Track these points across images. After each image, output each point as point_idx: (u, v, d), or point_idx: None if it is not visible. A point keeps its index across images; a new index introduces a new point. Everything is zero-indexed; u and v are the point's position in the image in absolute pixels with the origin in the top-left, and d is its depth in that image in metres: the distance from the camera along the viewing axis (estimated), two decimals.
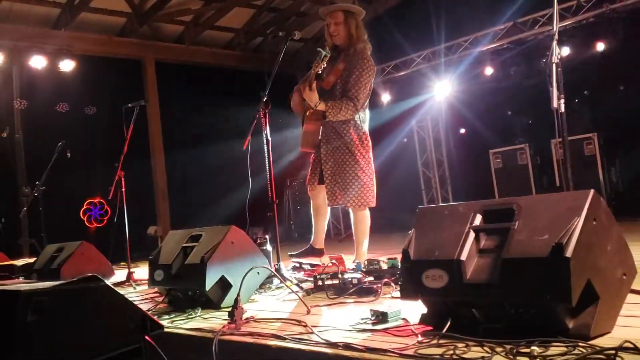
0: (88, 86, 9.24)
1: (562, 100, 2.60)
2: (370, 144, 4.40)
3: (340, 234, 10.46)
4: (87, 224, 9.77)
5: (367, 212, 4.44)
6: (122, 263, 7.09)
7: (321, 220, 4.61)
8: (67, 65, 8.80)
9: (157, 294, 4.07)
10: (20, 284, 2.03)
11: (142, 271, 6.44)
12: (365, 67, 4.19)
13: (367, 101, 4.35)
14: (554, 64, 2.61)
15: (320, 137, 4.34)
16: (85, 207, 9.78)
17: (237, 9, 10.11)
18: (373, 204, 4.39)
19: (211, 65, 10.91)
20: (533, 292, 1.96)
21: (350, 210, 4.45)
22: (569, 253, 1.88)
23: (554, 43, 2.65)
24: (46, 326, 1.59)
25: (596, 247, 1.99)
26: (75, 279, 1.81)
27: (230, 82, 11.07)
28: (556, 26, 2.74)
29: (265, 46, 11.40)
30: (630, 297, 2.24)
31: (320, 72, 4.11)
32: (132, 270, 5.65)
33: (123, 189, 5.71)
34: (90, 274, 1.81)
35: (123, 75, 9.84)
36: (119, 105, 6.01)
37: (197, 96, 10.41)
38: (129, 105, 5.87)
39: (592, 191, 2.02)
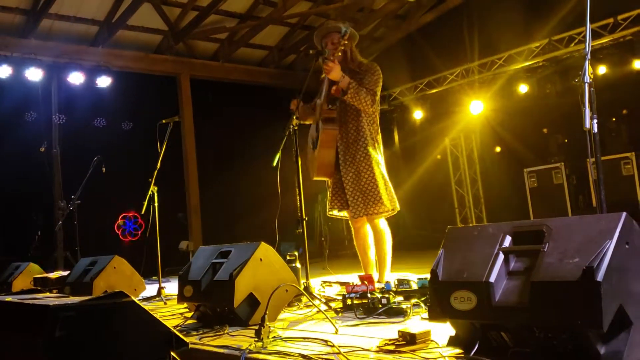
0: (124, 102, 9.44)
1: (595, 121, 2.56)
2: (382, 157, 4.39)
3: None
4: (121, 237, 9.92)
5: (386, 227, 4.39)
6: (153, 277, 7.19)
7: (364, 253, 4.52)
8: (104, 82, 9.01)
9: (187, 309, 4.11)
10: (50, 299, 2.08)
11: (172, 286, 6.51)
12: (377, 72, 4.28)
13: (378, 113, 4.38)
14: (586, 84, 2.56)
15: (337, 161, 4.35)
16: (119, 221, 9.94)
17: (270, 27, 10.25)
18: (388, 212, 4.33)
19: (245, 82, 11.05)
20: (563, 316, 1.92)
21: (368, 226, 4.42)
22: (600, 277, 1.83)
23: (587, 62, 2.61)
24: (74, 341, 1.62)
25: (629, 271, 1.93)
26: (103, 294, 1.85)
27: (264, 99, 11.18)
28: (589, 46, 2.69)
29: (298, 63, 11.51)
30: None
31: (340, 54, 4.15)
32: (162, 285, 5.72)
33: (156, 204, 5.80)
34: (118, 290, 1.84)
35: (159, 91, 10.03)
36: (155, 121, 6.12)
37: (231, 113, 10.54)
38: (163, 121, 5.98)
39: (624, 214, 1.98)
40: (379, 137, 4.40)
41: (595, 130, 2.58)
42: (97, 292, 4.82)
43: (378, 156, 4.32)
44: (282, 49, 11.09)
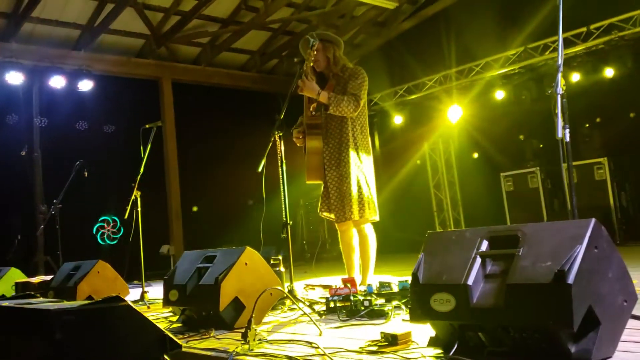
0: (106, 105, 9.44)
1: (567, 130, 2.69)
2: (370, 158, 4.50)
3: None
4: (100, 242, 9.88)
5: (372, 231, 4.48)
6: (135, 281, 7.20)
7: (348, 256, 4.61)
8: (85, 85, 9.00)
9: (172, 313, 4.16)
10: (48, 303, 2.14)
11: (154, 290, 6.54)
12: (361, 76, 4.37)
13: (366, 117, 4.49)
14: (558, 95, 2.69)
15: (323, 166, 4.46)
16: (98, 225, 9.91)
17: (253, 32, 10.33)
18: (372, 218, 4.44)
19: (227, 86, 11.11)
20: (536, 317, 2.03)
21: (354, 230, 4.51)
22: (570, 280, 1.95)
23: (559, 75, 2.74)
24: (73, 343, 1.69)
25: (597, 274, 2.05)
26: (99, 299, 1.91)
27: (245, 103, 11.26)
28: (561, 58, 2.83)
29: (280, 68, 11.60)
30: (631, 323, 2.30)
31: (312, 64, 4.27)
32: (145, 289, 5.76)
33: (139, 209, 5.84)
34: (114, 295, 1.91)
35: (140, 95, 10.03)
36: (136, 125, 6.15)
37: (213, 117, 10.58)
38: (147, 126, 6.02)
39: (593, 220, 2.10)
40: (366, 141, 4.48)
41: (568, 139, 2.71)
42: (81, 297, 4.84)
43: (362, 161, 4.40)
44: (264, 53, 11.17)
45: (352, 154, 4.35)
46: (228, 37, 10.27)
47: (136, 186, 5.75)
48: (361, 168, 4.38)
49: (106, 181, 9.01)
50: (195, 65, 10.64)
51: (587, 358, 1.97)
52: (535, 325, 2.05)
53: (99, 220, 9.89)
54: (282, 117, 4.28)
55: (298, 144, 4.58)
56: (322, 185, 4.53)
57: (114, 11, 8.66)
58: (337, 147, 4.38)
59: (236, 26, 9.97)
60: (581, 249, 2.02)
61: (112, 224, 9.99)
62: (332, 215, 4.52)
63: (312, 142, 4.41)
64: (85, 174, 7.17)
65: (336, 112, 4.26)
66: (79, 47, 9.18)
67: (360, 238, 4.45)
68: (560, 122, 2.66)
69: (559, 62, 2.81)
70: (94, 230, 9.83)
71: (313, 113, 4.40)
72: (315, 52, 4.23)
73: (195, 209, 10.25)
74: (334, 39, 4.48)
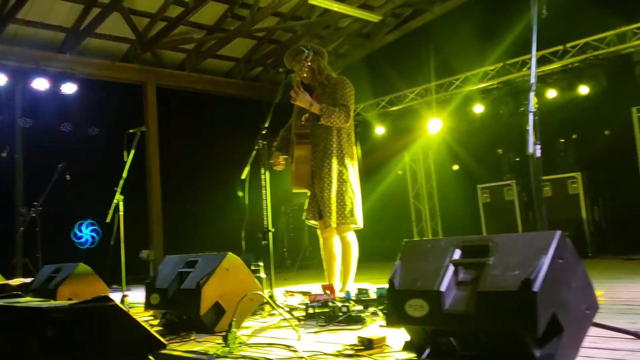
0: (90, 108, 9.45)
1: (538, 146, 2.82)
2: (356, 166, 4.60)
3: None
4: (78, 245, 9.84)
5: (354, 239, 4.57)
6: (114, 286, 7.21)
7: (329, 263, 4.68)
8: (69, 88, 9.01)
9: (152, 317, 4.22)
10: (37, 302, 2.20)
11: (134, 294, 6.57)
12: (348, 86, 4.48)
13: (352, 126, 4.60)
14: (530, 113, 2.83)
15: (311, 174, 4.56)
16: (77, 228, 9.88)
17: (238, 39, 10.42)
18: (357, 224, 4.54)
19: (211, 92, 11.17)
20: (504, 323, 2.14)
21: (337, 237, 4.61)
22: (536, 288, 2.07)
23: (531, 93, 2.88)
24: (63, 341, 1.76)
25: (561, 283, 2.18)
26: (89, 299, 1.99)
27: (230, 110, 11.32)
28: (534, 77, 2.96)
29: (265, 76, 11.70)
30: (593, 331, 2.43)
31: (305, 75, 4.37)
32: (125, 293, 5.79)
33: (121, 213, 5.88)
34: (103, 295, 1.99)
35: (124, 99, 10.06)
36: (119, 129, 6.18)
37: (197, 123, 10.63)
38: (131, 130, 6.07)
39: (559, 232, 2.22)
40: (351, 149, 4.57)
41: (538, 154, 2.84)
42: (61, 299, 4.86)
43: (347, 169, 4.49)
44: (249, 61, 11.27)
45: (338, 162, 4.45)
46: (213, 44, 10.36)
47: (119, 190, 5.79)
48: (346, 176, 4.48)
49: (85, 184, 8.99)
50: (180, 70, 10.69)
51: None
52: (503, 331, 2.17)
53: (78, 224, 9.85)
54: (266, 125, 4.38)
55: (276, 168, 4.65)
56: (308, 193, 4.63)
57: (100, 15, 8.70)
58: (322, 155, 4.47)
59: (222, 33, 10.06)
60: (547, 260, 2.14)
61: (91, 228, 9.96)
62: (317, 223, 4.62)
63: (301, 151, 4.49)
64: (68, 177, 7.18)
65: (327, 122, 4.35)
66: (64, 50, 9.19)
67: (343, 245, 4.55)
68: (531, 138, 2.79)
69: (532, 81, 2.95)
70: (73, 235, 9.79)
71: (303, 123, 4.50)
72: (309, 63, 4.33)
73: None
74: (318, 49, 4.60)
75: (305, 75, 4.39)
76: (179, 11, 9.17)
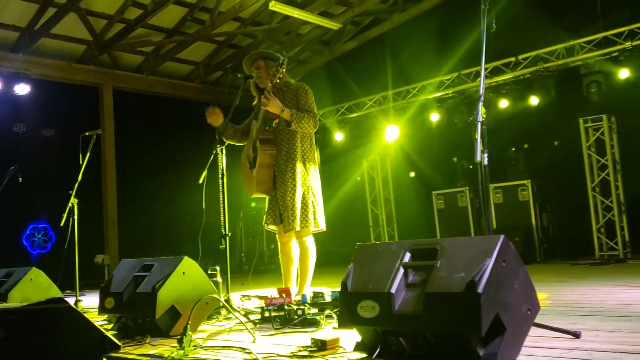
0: (44, 110, 9.26)
1: (486, 155, 2.95)
2: (317, 170, 4.67)
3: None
4: (29, 249, 9.61)
5: (312, 244, 4.63)
6: (67, 291, 7.08)
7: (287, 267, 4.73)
8: (22, 89, 8.81)
9: (107, 322, 4.19)
10: None
11: (88, 299, 6.48)
12: (309, 92, 4.58)
13: (314, 134, 4.68)
14: (479, 122, 2.96)
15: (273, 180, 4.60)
16: (28, 232, 9.65)
17: (198, 43, 10.38)
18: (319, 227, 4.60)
19: (169, 95, 11.08)
20: (450, 323, 2.25)
21: (294, 242, 4.67)
22: (480, 289, 2.18)
23: (480, 104, 3.00)
24: (16, 342, 1.76)
25: (504, 285, 2.30)
26: (42, 300, 1.99)
27: (188, 114, 11.22)
28: (482, 89, 3.10)
29: (224, 80, 11.68)
30: (535, 330, 2.57)
31: (277, 81, 4.42)
32: (79, 298, 5.72)
33: (75, 217, 5.80)
34: (58, 297, 2.00)
35: (80, 101, 9.88)
36: (74, 131, 6.09)
37: (154, 126, 10.52)
38: (87, 133, 6.00)
39: (502, 236, 2.35)
40: (313, 154, 4.64)
41: (486, 162, 2.97)
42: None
43: (309, 174, 4.56)
44: (209, 65, 11.23)
45: (300, 166, 4.52)
46: (172, 47, 10.28)
47: (73, 194, 5.72)
48: (309, 180, 4.55)
49: (37, 187, 8.79)
50: (137, 73, 10.58)
51: None
52: (449, 331, 2.27)
53: (29, 227, 9.62)
54: (224, 130, 4.40)
55: (209, 119, 4.58)
56: (268, 198, 4.67)
57: (56, 15, 8.54)
58: (285, 159, 4.53)
59: (181, 37, 10.01)
60: (490, 262, 2.26)
61: (42, 232, 9.74)
62: (277, 228, 4.66)
63: (266, 157, 4.51)
64: (20, 179, 7.02)
65: (297, 128, 4.42)
66: (17, 50, 8.99)
67: (301, 250, 4.61)
68: (479, 147, 2.91)
69: (481, 92, 3.08)
70: (24, 238, 9.56)
71: (270, 128, 4.55)
72: (284, 70, 4.38)
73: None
74: (275, 56, 4.66)
75: (277, 81, 4.44)
76: (137, 13, 9.09)
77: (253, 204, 11.25)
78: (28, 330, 1.84)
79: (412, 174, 10.56)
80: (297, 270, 4.70)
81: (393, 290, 2.42)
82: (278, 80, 4.44)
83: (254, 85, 4.63)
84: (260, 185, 4.58)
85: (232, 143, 4.78)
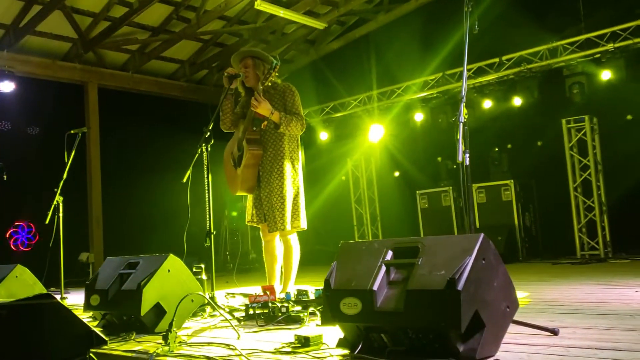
0: (29, 107, 9.21)
1: (467, 155, 3.01)
2: (301, 172, 4.71)
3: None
4: (13, 247, 9.54)
5: (296, 242, 4.67)
6: (52, 288, 7.06)
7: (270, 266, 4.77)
8: (6, 86, 8.75)
9: (92, 319, 4.20)
10: None
11: (73, 297, 6.47)
12: (296, 94, 4.63)
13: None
14: (460, 123, 3.02)
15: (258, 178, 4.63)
16: (12, 229, 9.58)
17: (183, 41, 10.37)
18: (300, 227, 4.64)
19: (155, 94, 11.06)
20: (431, 319, 2.30)
21: (278, 237, 4.71)
22: (460, 287, 2.23)
23: (462, 105, 3.06)
24: (3, 337, 1.78)
25: (484, 283, 2.35)
26: (30, 296, 2.02)
27: (173, 112, 11.23)
28: (464, 90, 3.16)
29: (209, 79, 11.67)
30: (515, 327, 2.63)
31: (269, 83, 4.47)
32: (64, 296, 5.71)
33: (60, 214, 5.80)
34: (45, 293, 2.02)
35: (65, 99, 9.84)
36: (59, 129, 6.07)
37: (139, 124, 10.49)
38: (72, 131, 6.00)
39: (482, 235, 2.40)
40: (298, 154, 4.69)
41: (467, 162, 3.03)
42: None
43: (297, 174, 4.61)
44: (194, 63, 11.22)
45: (287, 166, 4.56)
46: (158, 46, 10.26)
47: (59, 191, 5.71)
48: (295, 180, 4.59)
49: (20, 185, 8.74)
50: (122, 71, 10.55)
51: (473, 356, 2.25)
52: (429, 327, 2.32)
53: (12, 225, 9.55)
54: (210, 128, 4.42)
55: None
56: (251, 197, 4.70)
57: (41, 13, 8.50)
58: (272, 159, 4.56)
59: (167, 35, 9.99)
60: (470, 260, 2.31)
61: (26, 229, 9.68)
62: (261, 226, 4.69)
63: (252, 157, 4.54)
64: (5, 177, 6.99)
65: (285, 130, 4.48)
66: (2, 47, 8.92)
67: (286, 248, 4.65)
68: (461, 147, 2.97)
69: (463, 93, 3.14)
70: (7, 235, 9.49)
71: (255, 129, 4.58)
72: (276, 74, 4.42)
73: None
74: (264, 56, 4.69)
75: (269, 83, 4.48)
76: (123, 11, 9.06)
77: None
78: (16, 325, 1.86)
79: (397, 174, 10.63)
80: (281, 268, 4.74)
81: (375, 287, 2.46)
82: (269, 84, 4.47)
83: (240, 83, 4.66)
84: (244, 183, 4.61)
85: (222, 127, 4.76)
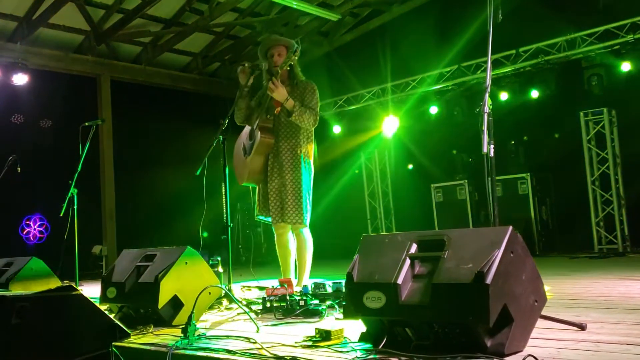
0: (43, 100, 9.23)
1: (492, 146, 2.93)
2: (313, 169, 4.66)
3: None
4: (25, 240, 9.58)
5: (309, 236, 4.61)
6: (66, 281, 7.07)
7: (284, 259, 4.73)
8: (20, 79, 8.76)
9: (107, 311, 4.17)
10: (2, 292, 2.17)
11: (87, 290, 6.46)
12: (316, 92, 4.57)
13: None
14: (485, 114, 2.94)
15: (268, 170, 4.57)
16: (25, 222, 9.62)
17: (196, 34, 10.33)
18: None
19: (167, 86, 11.04)
20: (457, 313, 2.24)
21: (291, 232, 4.66)
22: (488, 280, 2.17)
23: (486, 95, 2.99)
24: (27, 329, 1.75)
25: (512, 276, 2.29)
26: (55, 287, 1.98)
27: (186, 105, 11.22)
28: (489, 79, 3.08)
29: (222, 72, 11.63)
30: (541, 322, 2.56)
31: (288, 68, 4.42)
32: (79, 288, 5.69)
33: (75, 207, 5.78)
34: (68, 284, 1.99)
35: (78, 92, 9.85)
36: (72, 122, 6.05)
37: (152, 117, 10.49)
38: (86, 124, 5.97)
39: (510, 227, 2.34)
40: (311, 148, 4.64)
41: (492, 154, 2.96)
42: None
43: (307, 168, 4.55)
44: (206, 56, 11.18)
45: (302, 160, 4.50)
46: (170, 38, 10.24)
47: (73, 184, 5.69)
48: (308, 174, 4.54)
49: (35, 177, 8.76)
50: (135, 64, 10.53)
51: (501, 351, 2.19)
52: (456, 321, 2.27)
53: (25, 218, 9.59)
54: (227, 121, 4.38)
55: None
56: (260, 189, 4.64)
57: (54, 5, 8.49)
58: (284, 151, 4.50)
59: (179, 27, 9.95)
60: (499, 253, 2.25)
61: (38, 222, 9.71)
62: (270, 219, 4.64)
63: (263, 145, 4.48)
64: (19, 169, 6.98)
65: (297, 120, 4.41)
66: (15, 39, 8.93)
67: (299, 241, 4.59)
68: (485, 138, 2.90)
69: (487, 84, 3.06)
70: (20, 228, 9.53)
71: (268, 117, 4.53)
72: (296, 57, 4.36)
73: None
74: (291, 44, 4.60)
75: (288, 68, 4.42)
76: (136, 3, 9.04)
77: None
78: (39, 317, 1.83)
79: (411, 167, 10.55)
80: (295, 262, 4.69)
81: (399, 280, 2.41)
82: (289, 68, 4.41)
83: (265, 70, 4.58)
84: (252, 172, 4.54)
85: (236, 120, 4.71)
